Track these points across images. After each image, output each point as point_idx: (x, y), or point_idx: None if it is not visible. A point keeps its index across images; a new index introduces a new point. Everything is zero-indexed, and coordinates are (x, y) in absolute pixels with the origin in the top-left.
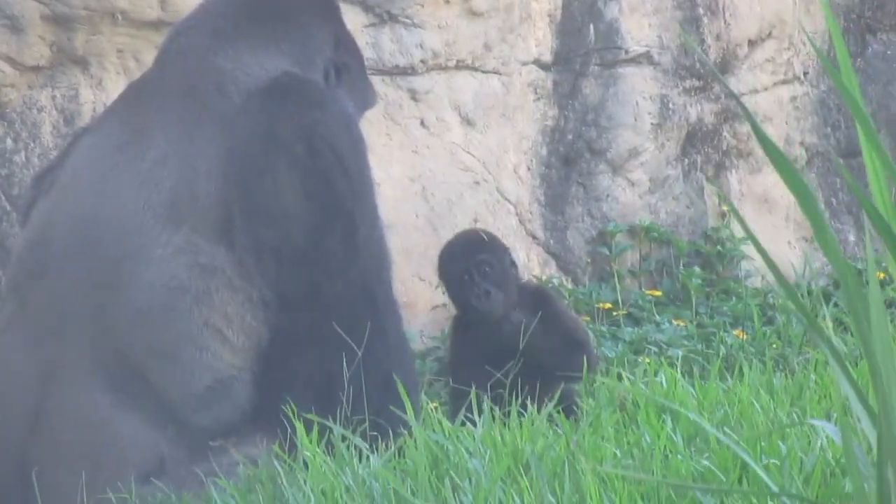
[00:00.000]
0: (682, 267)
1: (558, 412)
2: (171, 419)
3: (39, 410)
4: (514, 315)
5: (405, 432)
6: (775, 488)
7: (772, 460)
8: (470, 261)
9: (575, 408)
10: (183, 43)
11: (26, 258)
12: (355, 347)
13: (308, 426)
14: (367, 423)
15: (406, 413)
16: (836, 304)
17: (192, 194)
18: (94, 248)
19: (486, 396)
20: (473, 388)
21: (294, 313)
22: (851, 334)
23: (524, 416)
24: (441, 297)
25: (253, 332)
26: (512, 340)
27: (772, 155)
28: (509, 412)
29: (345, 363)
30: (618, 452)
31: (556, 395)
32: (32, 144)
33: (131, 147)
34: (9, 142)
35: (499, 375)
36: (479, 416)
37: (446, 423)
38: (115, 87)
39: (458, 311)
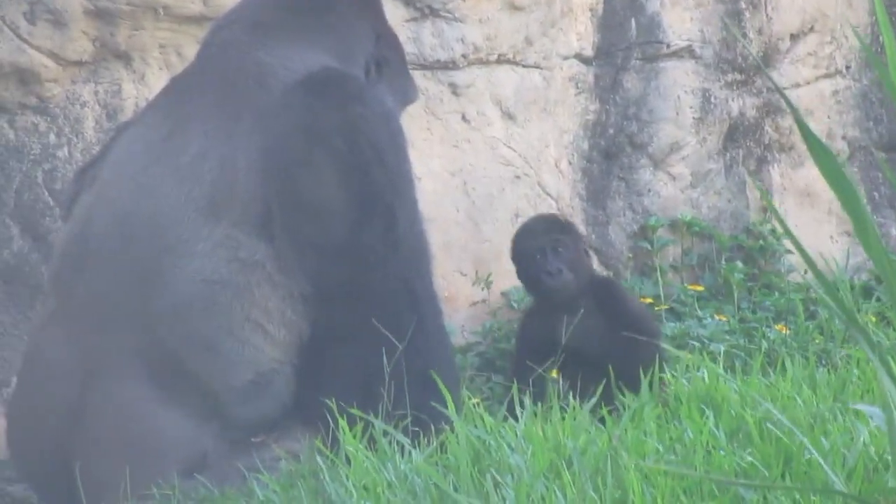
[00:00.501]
0: (723, 261)
1: (602, 407)
2: (213, 413)
3: (82, 404)
4: (581, 303)
5: (446, 427)
6: (835, 478)
7: (814, 455)
8: (545, 239)
9: (616, 402)
10: (224, 37)
11: (68, 252)
12: (395, 342)
13: (350, 421)
14: (408, 418)
15: (447, 408)
16: (878, 299)
17: (231, 188)
18: (135, 242)
19: (544, 385)
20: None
21: (334, 308)
22: (894, 329)
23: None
24: (481, 292)
25: (293, 326)
26: (578, 331)
27: (814, 149)
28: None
29: (385, 358)
30: (660, 447)
31: (599, 390)
32: (75, 139)
33: (172, 141)
34: (52, 137)
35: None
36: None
37: (488, 419)
38: (158, 81)
39: (528, 290)
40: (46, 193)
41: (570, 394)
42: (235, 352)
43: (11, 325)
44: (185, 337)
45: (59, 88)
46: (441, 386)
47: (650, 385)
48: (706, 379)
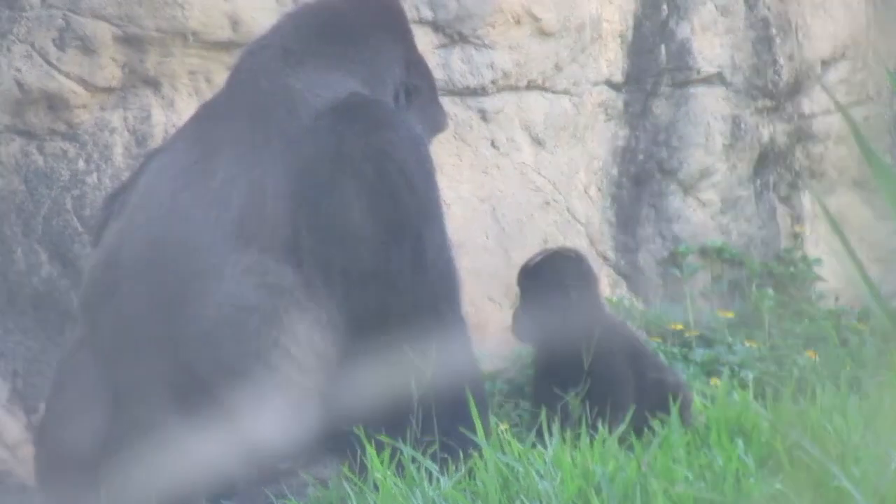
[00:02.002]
0: (754, 288)
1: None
2: (241, 439)
3: (111, 429)
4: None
5: (475, 453)
6: None
7: (845, 483)
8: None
9: (645, 429)
10: (253, 64)
11: (98, 278)
12: (424, 367)
13: (378, 447)
14: (436, 445)
15: (476, 434)
16: None
17: (260, 214)
18: (164, 267)
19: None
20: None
21: (362, 333)
22: None
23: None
24: (510, 318)
25: (321, 352)
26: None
27: (878, 171)
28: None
29: (413, 384)
30: (689, 474)
31: (628, 417)
32: (104, 166)
33: (201, 167)
34: (80, 163)
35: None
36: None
37: (516, 445)
38: (187, 108)
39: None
40: (75, 219)
41: (595, 419)
42: (263, 377)
43: (40, 352)
44: (213, 363)
45: (89, 115)
46: (470, 412)
47: (679, 412)
48: (737, 406)
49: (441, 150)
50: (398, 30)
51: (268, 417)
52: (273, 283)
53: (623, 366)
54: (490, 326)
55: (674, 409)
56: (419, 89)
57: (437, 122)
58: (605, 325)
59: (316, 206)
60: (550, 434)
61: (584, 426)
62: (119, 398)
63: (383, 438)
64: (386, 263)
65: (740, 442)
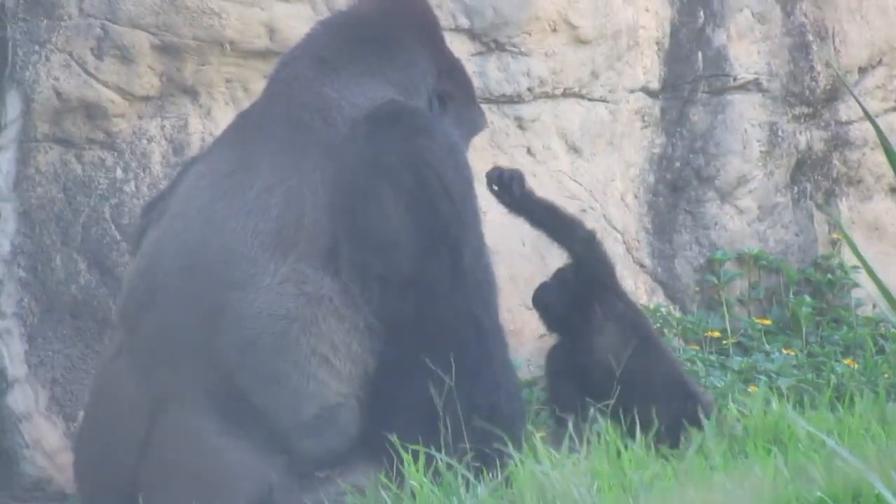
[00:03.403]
0: (791, 295)
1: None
2: (279, 447)
3: (149, 437)
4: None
5: (511, 462)
6: None
7: (883, 492)
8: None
9: (681, 436)
10: (289, 73)
11: (136, 287)
12: (461, 375)
13: (415, 455)
14: (472, 452)
15: (511, 443)
16: None
17: (298, 223)
18: (201, 276)
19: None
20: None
21: (399, 340)
22: None
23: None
24: None
25: (359, 359)
26: (606, 374)
27: None
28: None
29: (451, 390)
30: (727, 483)
31: (658, 422)
32: (142, 174)
33: (239, 176)
34: (118, 172)
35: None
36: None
37: (552, 453)
38: (224, 116)
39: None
40: (114, 228)
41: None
42: (302, 386)
43: (80, 360)
44: (251, 371)
45: (126, 123)
46: (506, 420)
47: (716, 419)
48: (774, 414)
49: (477, 157)
50: (430, 36)
51: (306, 425)
52: (311, 292)
53: (629, 373)
54: (526, 333)
55: (711, 417)
56: (453, 95)
57: (475, 124)
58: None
59: (354, 214)
60: (579, 440)
61: (612, 432)
62: (157, 406)
63: (419, 447)
64: (424, 270)
65: (777, 451)
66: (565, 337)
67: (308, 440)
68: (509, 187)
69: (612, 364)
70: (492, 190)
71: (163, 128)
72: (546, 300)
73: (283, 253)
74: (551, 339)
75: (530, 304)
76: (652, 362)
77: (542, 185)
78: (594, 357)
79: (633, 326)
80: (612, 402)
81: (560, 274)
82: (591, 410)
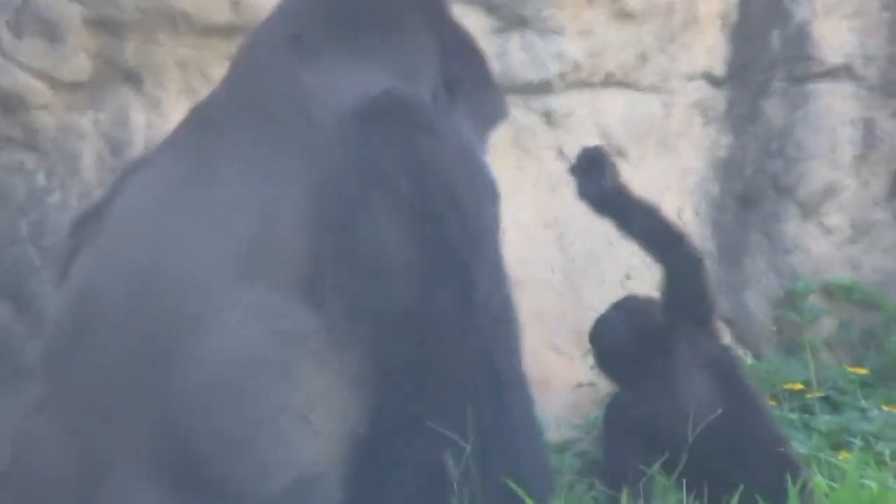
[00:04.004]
0: (893, 337)
1: None
2: None
3: None
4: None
5: None
6: None
7: None
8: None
9: None
10: (259, 56)
11: (65, 324)
12: (473, 438)
13: None
14: None
15: None
16: None
17: (271, 244)
18: (148, 311)
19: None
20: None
21: (396, 392)
22: None
23: None
24: (584, 372)
25: (345, 416)
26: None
27: None
28: None
29: (460, 456)
30: None
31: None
32: (70, 181)
33: (195, 186)
34: (40, 177)
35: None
36: None
37: None
38: (176, 109)
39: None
40: (33, 250)
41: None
42: (271, 451)
43: None
44: (209, 431)
45: (51, 117)
46: (530, 494)
47: (799, 494)
48: (872, 487)
49: (495, 161)
50: (435, 7)
51: (275, 499)
52: (286, 330)
53: (719, 433)
54: (555, 383)
55: (793, 490)
56: (464, 81)
57: (492, 114)
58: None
59: (341, 233)
60: None
61: None
62: (90, 476)
63: None
64: (427, 303)
65: None
66: (629, 386)
67: None
68: (600, 174)
69: (700, 421)
70: (575, 177)
71: (97, 123)
72: (610, 337)
73: (251, 281)
74: (610, 388)
75: (561, 345)
76: (749, 424)
77: (575, 198)
78: (675, 413)
79: (729, 376)
80: (687, 470)
81: (627, 304)
82: (659, 480)
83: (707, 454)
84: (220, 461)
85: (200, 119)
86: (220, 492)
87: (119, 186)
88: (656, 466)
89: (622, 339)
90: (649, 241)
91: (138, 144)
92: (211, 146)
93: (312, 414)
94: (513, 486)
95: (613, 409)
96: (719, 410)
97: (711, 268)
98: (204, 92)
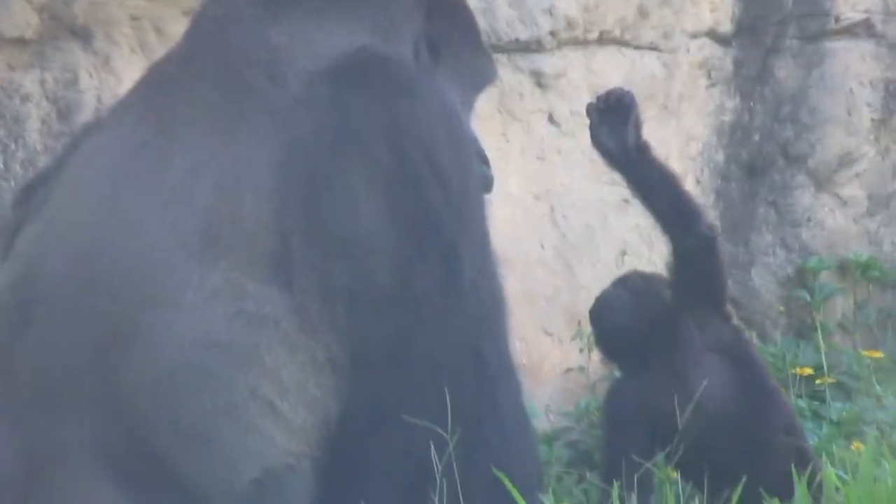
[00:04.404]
0: None
1: None
2: None
3: None
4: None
5: None
6: None
7: None
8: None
9: None
10: (220, 10)
11: (7, 305)
12: (456, 427)
13: None
14: None
15: None
16: None
17: (234, 217)
18: (100, 290)
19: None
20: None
21: (373, 380)
22: None
23: None
24: (576, 357)
25: (317, 405)
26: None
27: None
28: None
29: (442, 449)
30: None
31: (737, 494)
32: (13, 147)
33: (152, 152)
34: None
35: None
36: None
37: None
38: (129, 68)
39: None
40: None
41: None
42: (236, 441)
43: None
44: (167, 421)
45: None
46: (517, 488)
47: (807, 488)
48: (887, 481)
49: (481, 127)
50: None
51: (241, 496)
52: (252, 312)
53: (731, 423)
54: (546, 369)
55: (801, 484)
56: (449, 39)
57: (479, 76)
58: (713, 366)
59: (311, 205)
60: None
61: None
62: (36, 469)
63: None
64: (407, 284)
65: None
66: (633, 371)
67: None
68: (622, 123)
69: (712, 409)
70: (592, 119)
71: (43, 82)
72: (612, 317)
73: (213, 258)
74: (602, 373)
75: (552, 328)
76: (762, 413)
77: (569, 167)
78: (682, 401)
79: (742, 362)
80: (693, 461)
81: (630, 281)
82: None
83: (716, 445)
84: (182, 454)
85: (158, 79)
86: (181, 487)
87: (68, 153)
88: (660, 458)
89: (626, 320)
90: (663, 214)
91: (88, 107)
92: (169, 109)
93: (282, 402)
94: (500, 479)
95: (615, 397)
96: (728, 399)
97: None
98: (160, 50)
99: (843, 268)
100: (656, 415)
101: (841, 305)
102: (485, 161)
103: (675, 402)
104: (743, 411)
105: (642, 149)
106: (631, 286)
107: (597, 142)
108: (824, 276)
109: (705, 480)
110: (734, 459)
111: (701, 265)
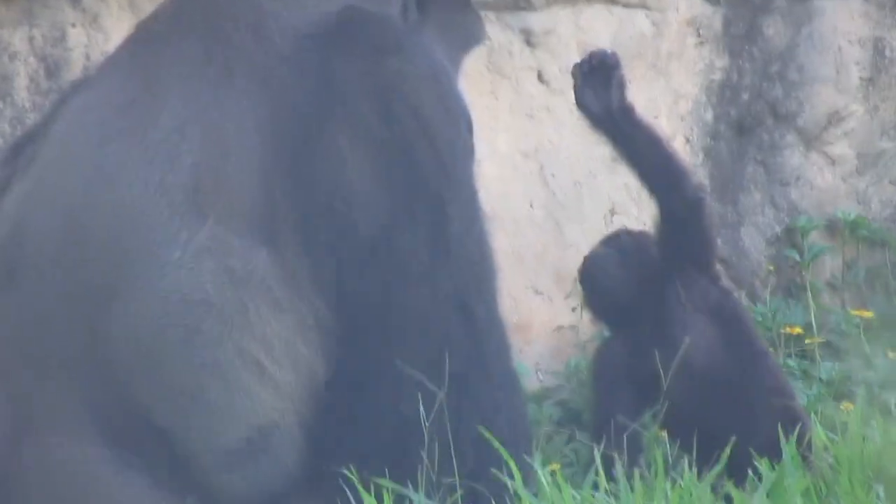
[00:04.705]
0: None
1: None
2: (190, 483)
3: (10, 467)
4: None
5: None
6: None
7: None
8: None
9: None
10: None
11: None
12: (445, 385)
13: (379, 495)
14: (460, 491)
15: (514, 477)
16: None
17: (220, 174)
18: (87, 247)
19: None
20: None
21: (360, 338)
22: None
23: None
24: (566, 315)
25: (304, 363)
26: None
27: None
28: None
29: (431, 407)
30: None
31: (725, 454)
32: (1, 105)
33: (139, 110)
34: None
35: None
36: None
37: (568, 491)
38: (117, 26)
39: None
40: None
41: (685, 458)
42: (223, 399)
43: None
44: (152, 379)
45: None
46: (505, 447)
47: (796, 448)
48: (876, 440)
49: (469, 86)
50: None
51: (227, 454)
52: (238, 269)
53: (719, 383)
54: (536, 327)
55: (789, 445)
56: None
57: (467, 36)
58: (700, 327)
59: (298, 162)
60: (612, 475)
61: (661, 465)
62: (22, 426)
63: (385, 483)
64: (394, 241)
65: (880, 490)
66: (621, 331)
67: (230, 474)
68: (606, 85)
69: (699, 370)
70: (576, 81)
71: (31, 40)
72: (601, 276)
73: (199, 215)
74: (592, 331)
75: (541, 286)
76: (753, 372)
77: (558, 125)
78: (670, 361)
79: (730, 322)
80: (682, 422)
81: (618, 240)
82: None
83: (704, 405)
84: (168, 412)
85: (146, 37)
86: (168, 444)
87: (56, 111)
88: (648, 417)
89: (614, 279)
90: (649, 175)
91: (76, 64)
92: (157, 67)
93: (269, 361)
94: (488, 438)
95: (603, 356)
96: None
97: None
98: (148, 7)
99: (832, 227)
100: (644, 374)
101: (830, 265)
102: (469, 127)
103: (662, 363)
104: (730, 372)
105: (626, 110)
106: (619, 245)
107: (581, 104)
108: (814, 236)
109: (694, 441)
110: (722, 420)
111: (688, 227)
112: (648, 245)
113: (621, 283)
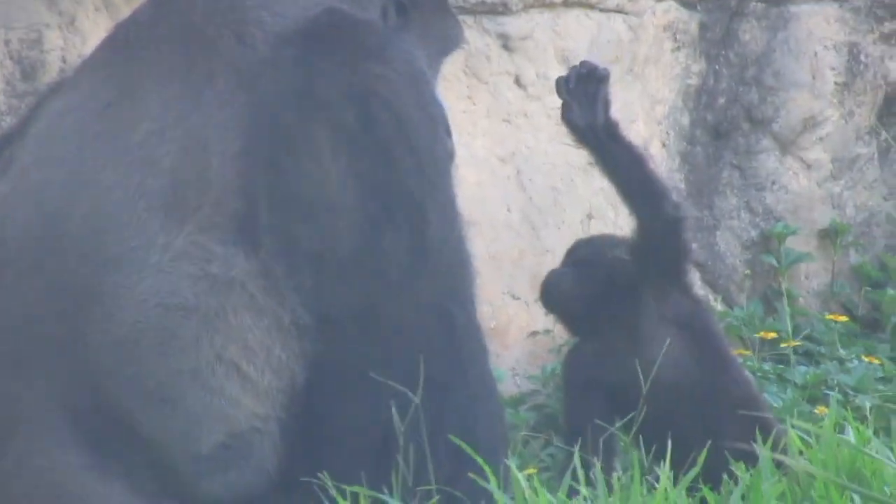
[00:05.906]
0: (878, 283)
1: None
2: (169, 489)
3: None
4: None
5: None
6: None
7: None
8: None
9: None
10: None
11: None
12: (424, 390)
13: (356, 499)
14: (437, 496)
15: (489, 482)
16: None
17: (200, 178)
18: (65, 251)
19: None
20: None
21: (340, 343)
22: None
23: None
24: (542, 320)
25: (283, 368)
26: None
27: None
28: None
29: (408, 412)
30: None
31: (701, 458)
32: None
33: (117, 113)
34: None
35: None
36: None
37: (545, 496)
38: (94, 28)
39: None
40: None
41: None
42: (202, 404)
43: None
44: (131, 383)
45: None
46: (482, 452)
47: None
48: (851, 444)
49: (447, 90)
50: None
51: (206, 459)
52: (217, 274)
53: (688, 395)
54: (512, 332)
55: (765, 449)
56: (416, 1)
57: (446, 40)
58: (670, 338)
59: (277, 167)
60: (589, 479)
61: (637, 468)
62: (1, 431)
63: (360, 490)
64: (373, 246)
65: (856, 495)
66: (590, 338)
67: (209, 479)
68: (592, 104)
69: (668, 381)
70: (562, 95)
71: (7, 42)
72: (562, 298)
73: (179, 220)
74: (568, 336)
75: (518, 291)
76: (722, 383)
77: (536, 130)
78: (640, 371)
79: (701, 334)
80: (652, 429)
81: (581, 253)
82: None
83: (673, 416)
84: (147, 416)
85: (123, 39)
86: (146, 449)
87: (34, 114)
88: (619, 425)
89: (569, 296)
90: (630, 193)
91: (53, 67)
92: (135, 69)
93: (248, 366)
94: (464, 444)
95: (573, 363)
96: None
97: None
98: (125, 9)
99: (808, 232)
100: (612, 383)
101: (805, 270)
102: (447, 132)
103: (630, 373)
104: (699, 384)
105: (611, 127)
106: (582, 258)
107: (566, 118)
108: (790, 241)
109: (668, 452)
110: (692, 431)
111: (666, 244)
112: (610, 249)
113: (578, 299)
